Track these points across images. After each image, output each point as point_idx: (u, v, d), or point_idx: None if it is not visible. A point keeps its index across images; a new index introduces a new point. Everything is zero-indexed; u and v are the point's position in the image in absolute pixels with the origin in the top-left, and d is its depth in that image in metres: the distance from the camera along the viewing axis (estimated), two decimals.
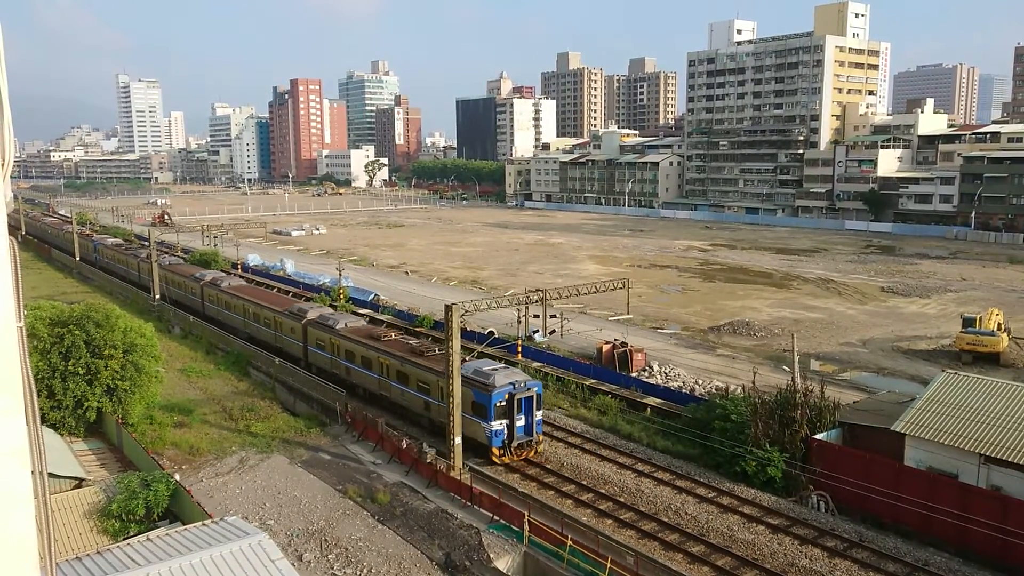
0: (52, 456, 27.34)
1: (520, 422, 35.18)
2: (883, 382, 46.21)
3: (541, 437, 36.38)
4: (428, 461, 33.62)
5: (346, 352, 45.13)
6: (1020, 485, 26.07)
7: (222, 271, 77.33)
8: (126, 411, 36.23)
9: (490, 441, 34.89)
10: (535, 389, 35.77)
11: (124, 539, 22.71)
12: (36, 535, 6.72)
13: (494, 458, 35.01)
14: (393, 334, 45.49)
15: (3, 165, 6.42)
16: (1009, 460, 26.30)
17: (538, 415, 35.86)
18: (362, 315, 61.97)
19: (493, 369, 36.37)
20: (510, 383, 35.09)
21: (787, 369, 43.77)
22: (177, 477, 28.86)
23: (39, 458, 6.88)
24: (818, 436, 31.75)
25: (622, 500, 31.25)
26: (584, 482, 33.01)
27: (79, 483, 28.53)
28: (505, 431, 34.94)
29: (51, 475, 26.43)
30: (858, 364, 50.93)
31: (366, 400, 43.43)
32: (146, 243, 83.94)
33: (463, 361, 37.24)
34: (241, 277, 73.79)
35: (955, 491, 27.07)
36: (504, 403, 34.82)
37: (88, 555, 18.39)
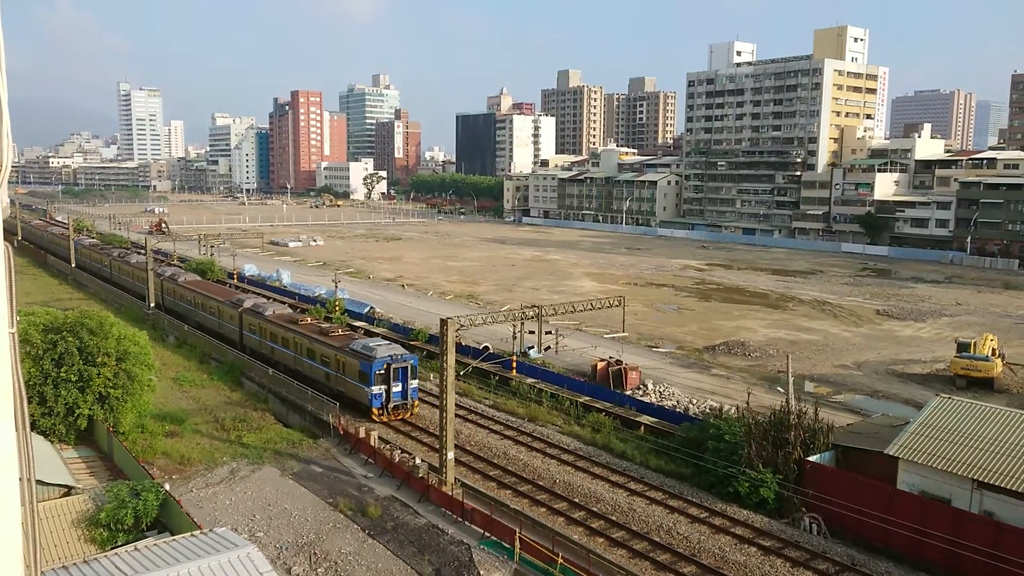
0: (41, 463, 27.13)
1: (396, 388, 41.34)
2: (877, 405, 46.24)
3: (416, 402, 42.85)
4: (420, 476, 33.52)
5: (271, 334, 51.82)
6: (1013, 511, 26.02)
7: (180, 268, 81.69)
8: (117, 419, 36.05)
9: (371, 403, 40.96)
10: (411, 361, 42.19)
11: (112, 548, 22.56)
12: (22, 542, 6.67)
13: (374, 417, 41.12)
14: (309, 319, 51.88)
15: (1, 171, 6.43)
16: (1002, 486, 26.27)
17: (413, 383, 42.20)
18: (358, 325, 62.50)
19: (377, 344, 43.06)
20: (389, 355, 41.32)
21: (781, 390, 43.72)
22: (167, 487, 28.66)
23: (28, 464, 6.84)
24: (811, 458, 31.69)
25: (614, 519, 31.12)
26: (576, 500, 32.90)
27: (68, 491, 28.32)
28: (383, 395, 41.15)
29: (39, 482, 26.26)
30: (852, 387, 50.94)
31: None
32: (141, 250, 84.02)
33: (354, 339, 44.90)
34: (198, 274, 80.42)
35: (948, 516, 27.02)
36: (383, 371, 40.86)
37: (75, 564, 18.26)
